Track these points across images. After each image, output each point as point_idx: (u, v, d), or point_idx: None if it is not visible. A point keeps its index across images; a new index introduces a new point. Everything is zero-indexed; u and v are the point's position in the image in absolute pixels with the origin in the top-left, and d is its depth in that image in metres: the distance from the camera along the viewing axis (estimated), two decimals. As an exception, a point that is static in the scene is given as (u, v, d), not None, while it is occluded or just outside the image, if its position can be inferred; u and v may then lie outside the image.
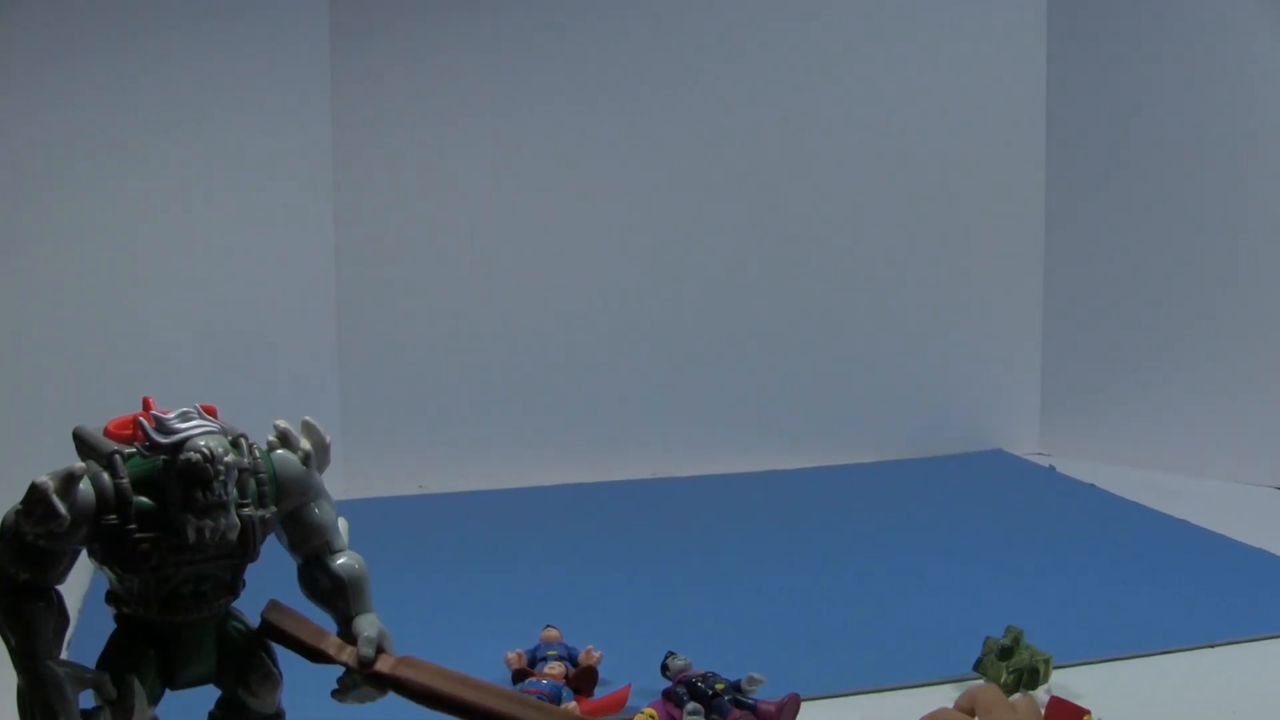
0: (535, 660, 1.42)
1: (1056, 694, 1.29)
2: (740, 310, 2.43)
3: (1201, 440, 2.31)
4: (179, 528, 1.07)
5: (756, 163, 2.41)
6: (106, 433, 1.16)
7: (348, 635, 1.20)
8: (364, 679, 1.18)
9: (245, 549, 1.11)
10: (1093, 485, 2.23)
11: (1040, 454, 2.48)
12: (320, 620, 1.22)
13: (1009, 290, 2.52)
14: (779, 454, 2.40)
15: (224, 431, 1.10)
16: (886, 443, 2.45)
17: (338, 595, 1.20)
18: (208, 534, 1.07)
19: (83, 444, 1.16)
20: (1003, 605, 1.62)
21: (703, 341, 2.42)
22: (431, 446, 2.31)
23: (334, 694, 1.20)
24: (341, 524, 1.22)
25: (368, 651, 1.18)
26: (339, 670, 1.19)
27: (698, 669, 1.36)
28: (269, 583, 1.18)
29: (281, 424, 1.17)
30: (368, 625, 1.20)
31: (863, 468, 2.40)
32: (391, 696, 1.20)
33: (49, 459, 1.17)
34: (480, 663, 1.43)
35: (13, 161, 2.06)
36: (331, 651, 1.19)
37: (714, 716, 1.30)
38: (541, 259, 2.35)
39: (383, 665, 1.18)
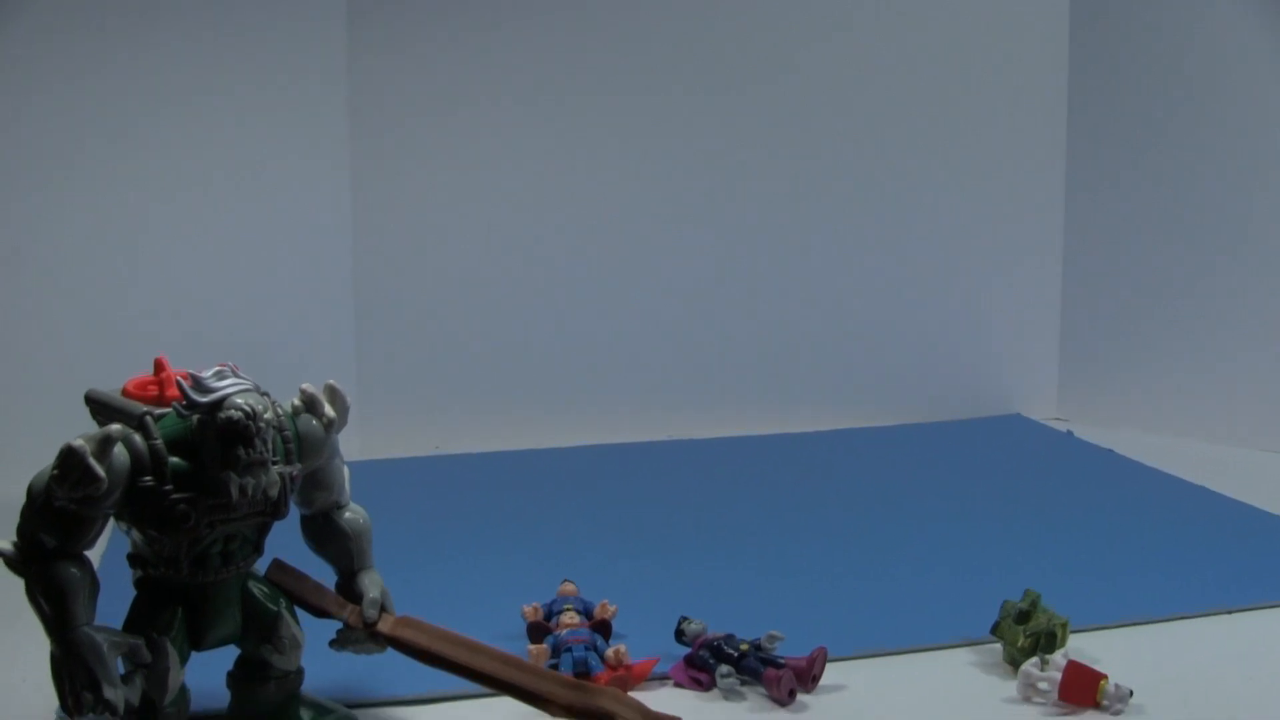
0: (551, 613, 1.43)
1: (1073, 658, 1.30)
2: (756, 272, 2.43)
3: (1222, 406, 2.30)
4: (218, 486, 1.08)
5: (774, 122, 2.40)
6: (125, 393, 1.17)
7: (348, 588, 1.23)
8: (366, 636, 1.21)
9: (277, 507, 1.12)
10: (1111, 450, 2.23)
11: (1058, 419, 2.48)
12: (321, 574, 1.24)
13: (1028, 253, 2.51)
14: (794, 417, 2.40)
15: (256, 389, 1.11)
16: (903, 406, 2.45)
17: (343, 550, 1.23)
18: (250, 491, 1.09)
19: (103, 407, 1.17)
20: (1020, 569, 1.63)
21: (717, 304, 2.42)
22: (447, 408, 2.32)
23: (332, 644, 1.23)
24: (344, 473, 1.24)
25: (371, 613, 1.22)
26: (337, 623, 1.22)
27: (713, 632, 1.37)
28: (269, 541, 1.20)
29: (308, 388, 1.18)
30: (371, 585, 1.23)
31: (879, 431, 2.40)
32: (392, 653, 1.23)
33: (61, 426, 1.18)
34: (496, 618, 1.45)
35: (31, 138, 2.07)
36: (333, 609, 1.23)
37: (744, 676, 1.31)
38: (557, 221, 2.35)
39: (384, 625, 1.22)
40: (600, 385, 2.37)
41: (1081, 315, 2.49)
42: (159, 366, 1.16)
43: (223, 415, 1.07)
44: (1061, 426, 2.42)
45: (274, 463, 1.12)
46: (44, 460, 1.09)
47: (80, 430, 1.09)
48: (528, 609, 1.44)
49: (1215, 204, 2.30)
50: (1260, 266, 2.26)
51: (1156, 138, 2.37)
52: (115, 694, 1.07)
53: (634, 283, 2.39)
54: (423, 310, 2.32)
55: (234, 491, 1.08)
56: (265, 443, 1.09)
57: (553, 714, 1.21)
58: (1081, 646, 1.38)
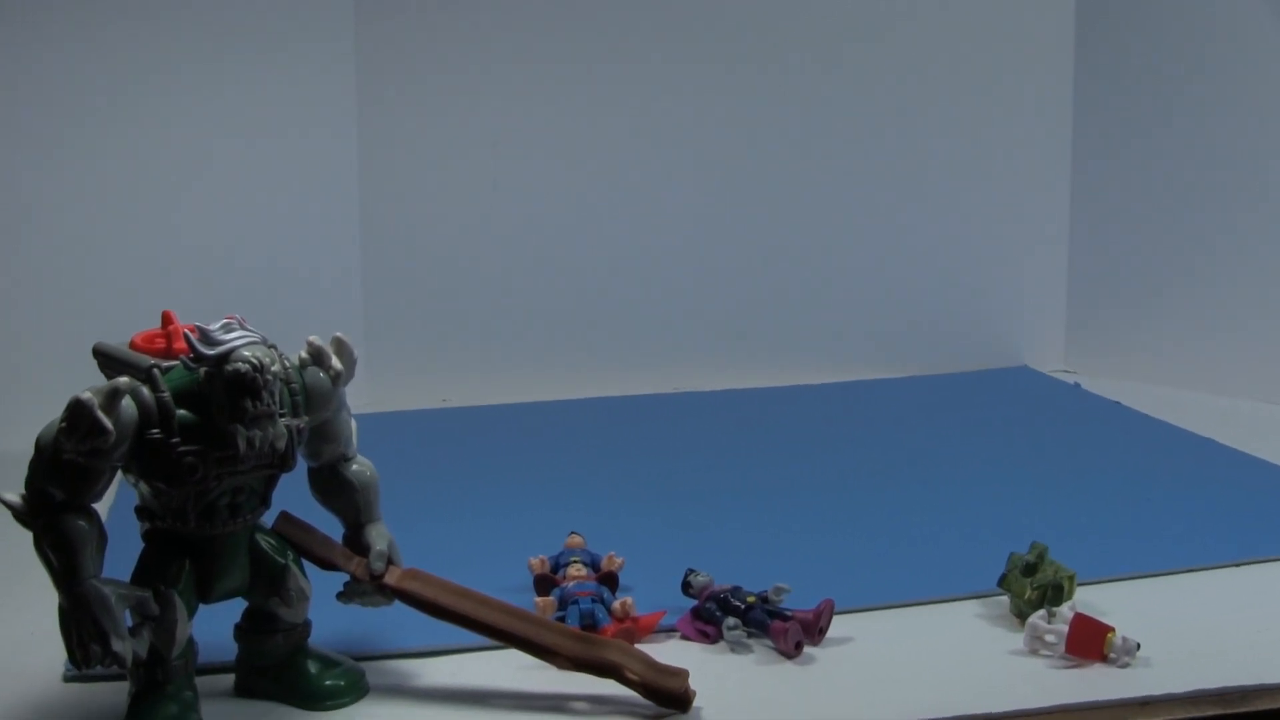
0: (558, 566, 1.43)
1: (1080, 611, 1.30)
2: (763, 226, 2.42)
3: (1229, 358, 2.29)
4: (225, 439, 1.08)
5: (780, 76, 2.38)
6: (133, 346, 1.17)
7: (355, 540, 1.24)
8: (373, 589, 1.22)
9: (284, 459, 1.12)
10: (1118, 403, 2.23)
11: (1065, 371, 2.47)
12: (328, 527, 1.25)
13: (1035, 205, 2.50)
14: (801, 369, 2.40)
15: (263, 342, 1.11)
16: (910, 358, 2.45)
17: (349, 502, 1.24)
18: (257, 443, 1.09)
19: (110, 359, 1.16)
20: (1026, 522, 1.62)
21: (724, 257, 2.41)
22: (454, 361, 2.32)
23: (339, 596, 1.24)
24: (351, 425, 1.24)
25: (378, 565, 1.22)
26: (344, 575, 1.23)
27: (720, 584, 1.37)
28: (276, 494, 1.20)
29: (315, 341, 1.18)
30: (378, 537, 1.24)
31: (886, 383, 2.39)
32: (399, 606, 1.24)
33: (67, 379, 1.18)
34: (502, 570, 1.45)
35: (41, 97, 2.06)
36: (340, 561, 1.24)
37: (751, 629, 1.32)
38: (564, 173, 2.34)
39: (390, 578, 1.23)
40: (607, 338, 2.37)
41: (1089, 267, 2.48)
42: (166, 320, 1.16)
43: (230, 368, 1.07)
44: (1068, 378, 2.42)
45: (281, 415, 1.11)
46: (51, 414, 1.09)
47: (88, 383, 1.09)
48: (534, 561, 1.44)
49: (1224, 155, 2.29)
50: (1271, 218, 2.25)
51: (1165, 87, 2.35)
52: (123, 646, 1.08)
53: (642, 235, 2.38)
54: (430, 263, 2.31)
55: (241, 444, 1.08)
56: (273, 395, 1.10)
57: (559, 666, 1.21)
58: (1088, 599, 1.38)
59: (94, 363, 1.20)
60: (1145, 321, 2.41)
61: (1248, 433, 2.01)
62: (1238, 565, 1.53)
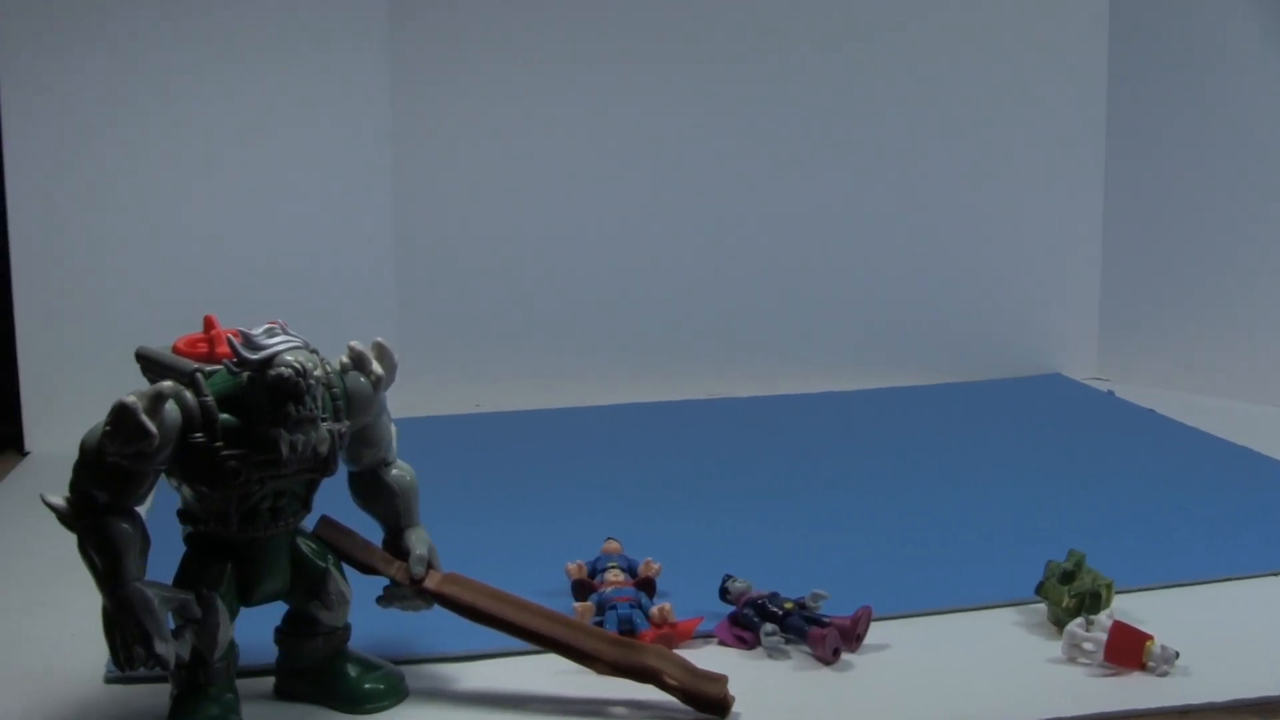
0: (595, 571, 1.44)
1: (1118, 619, 1.30)
2: (796, 230, 2.42)
3: (1263, 366, 2.28)
4: (268, 443, 1.09)
5: (812, 79, 2.39)
6: (176, 351, 1.18)
7: (395, 544, 1.25)
8: (413, 593, 1.22)
9: (326, 463, 1.13)
10: (1152, 410, 2.22)
11: (1099, 379, 2.46)
12: (368, 531, 1.25)
13: (1069, 213, 2.49)
14: (834, 376, 2.40)
15: (306, 347, 1.11)
16: (943, 365, 2.44)
17: (390, 506, 1.24)
18: (300, 447, 1.10)
19: (154, 364, 1.17)
20: (1063, 530, 1.62)
21: (758, 262, 2.42)
22: (487, 366, 2.33)
23: (380, 600, 1.25)
24: (392, 430, 1.25)
25: (419, 569, 1.23)
26: (384, 579, 1.24)
27: (757, 590, 1.37)
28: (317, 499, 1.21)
29: (356, 346, 1.18)
30: (418, 542, 1.24)
31: (919, 390, 2.39)
32: (438, 610, 1.25)
33: (110, 383, 1.19)
34: (539, 575, 1.46)
35: (81, 100, 2.08)
36: (380, 566, 1.24)
37: (789, 635, 1.32)
38: (598, 179, 2.35)
39: (430, 582, 1.24)
40: (640, 344, 2.38)
41: (1122, 275, 2.47)
42: (208, 325, 1.17)
43: (273, 372, 1.08)
44: (1102, 386, 2.41)
45: (323, 420, 1.12)
46: (87, 418, 1.10)
47: (130, 387, 1.10)
48: (572, 567, 1.44)
49: (1259, 162, 2.27)
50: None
51: (1198, 94, 2.33)
52: (166, 648, 1.09)
53: (676, 243, 2.39)
54: (463, 269, 2.33)
55: (284, 448, 1.09)
56: (315, 399, 1.10)
57: (599, 671, 1.22)
58: (1125, 607, 1.37)
59: (132, 366, 1.21)
60: (1178, 329, 2.40)
61: (1280, 440, 2.00)
62: (1276, 575, 1.52)
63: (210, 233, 2.17)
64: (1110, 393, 2.36)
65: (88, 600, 1.14)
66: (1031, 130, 2.47)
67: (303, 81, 2.20)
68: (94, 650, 1.29)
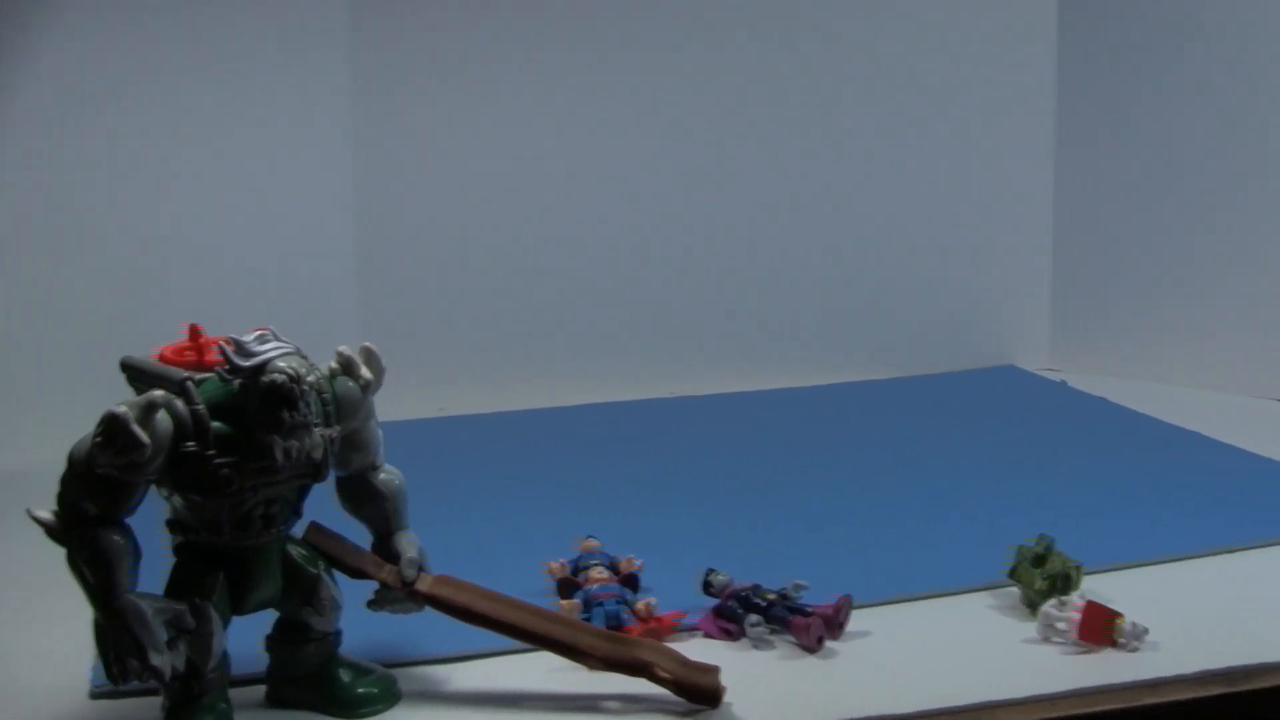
0: (578, 569, 1.45)
1: (1089, 599, 1.33)
2: (750, 228, 2.44)
3: (1209, 354, 2.33)
4: (262, 450, 1.09)
5: (764, 78, 2.41)
6: (162, 360, 1.18)
7: (384, 549, 1.25)
8: (404, 595, 1.23)
9: (319, 469, 1.14)
10: (1103, 398, 2.26)
11: (1051, 369, 2.50)
12: (355, 535, 1.26)
13: (1019, 205, 2.52)
14: (793, 372, 2.42)
15: (298, 353, 1.12)
16: (898, 360, 2.47)
17: (379, 510, 1.25)
18: (294, 453, 1.10)
19: (140, 373, 1.18)
20: (1026, 516, 1.64)
21: (714, 260, 2.44)
22: (451, 369, 2.33)
23: (370, 605, 1.25)
24: (379, 434, 1.26)
25: (410, 572, 1.24)
26: (375, 583, 1.25)
27: (739, 583, 1.39)
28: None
29: (345, 351, 1.20)
30: (408, 545, 1.25)
31: (875, 384, 2.42)
32: (428, 612, 1.26)
33: (88, 394, 1.19)
34: (518, 576, 1.45)
35: (47, 112, 2.06)
36: (371, 570, 1.25)
37: (773, 625, 1.34)
38: (558, 181, 2.36)
39: (422, 585, 1.24)
40: (601, 345, 2.39)
41: (1073, 267, 2.51)
42: (194, 333, 1.17)
43: (266, 379, 1.09)
44: (1055, 377, 2.45)
45: (315, 425, 1.13)
46: (47, 430, 1.10)
47: (102, 397, 1.10)
48: (554, 565, 1.46)
49: (1207, 152, 2.31)
50: (1250, 214, 2.28)
51: (1149, 83, 2.37)
52: (161, 660, 1.09)
53: (632, 244, 2.40)
54: (425, 273, 2.33)
55: (278, 454, 1.10)
56: (309, 405, 1.11)
57: (591, 667, 1.23)
58: (1093, 588, 1.40)
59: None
60: (1129, 320, 2.44)
61: (1231, 425, 2.05)
62: (1231, 551, 1.57)
63: (169, 237, 2.15)
64: (1063, 382, 2.40)
65: (70, 614, 1.14)
66: (981, 121, 2.49)
67: (263, 82, 2.19)
68: (78, 664, 1.29)
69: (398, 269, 2.31)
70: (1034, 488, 1.82)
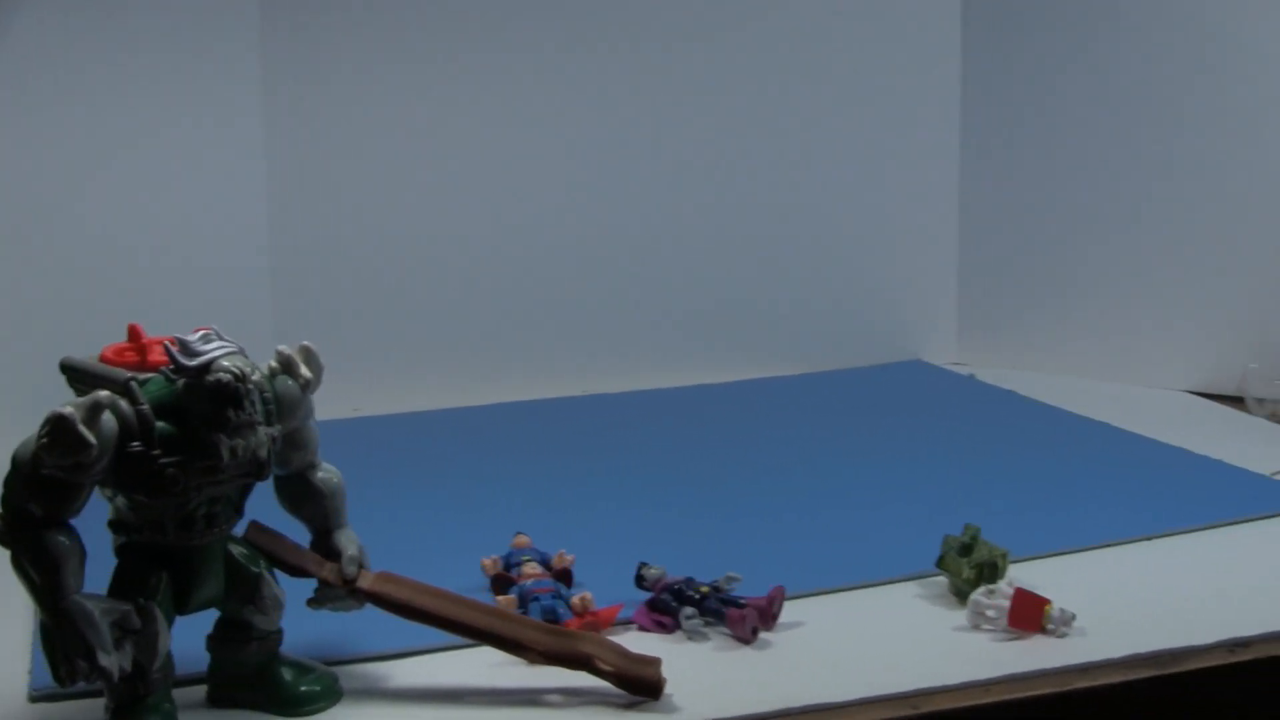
0: (510, 565, 1.46)
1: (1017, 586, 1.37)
2: (654, 225, 2.45)
3: (1113, 345, 2.39)
4: (207, 449, 1.09)
5: (673, 76, 2.42)
6: (103, 360, 1.17)
7: (323, 547, 1.26)
8: (345, 593, 1.24)
9: (262, 467, 1.14)
10: (1011, 392, 2.31)
11: (958, 363, 2.54)
12: (294, 534, 1.26)
13: (924, 201, 2.55)
14: (705, 368, 2.43)
15: (241, 352, 1.12)
16: (808, 355, 2.49)
17: (319, 508, 1.26)
18: (240, 452, 1.10)
19: (83, 374, 1.17)
20: (947, 507, 1.68)
21: (620, 259, 2.44)
22: (364, 369, 2.31)
23: (310, 602, 1.26)
24: (317, 433, 1.26)
25: (351, 569, 1.24)
26: (314, 581, 1.25)
27: (672, 576, 1.41)
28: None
29: (285, 350, 1.20)
30: (349, 543, 1.26)
31: (784, 380, 2.44)
32: (369, 609, 1.26)
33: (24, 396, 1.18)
34: (449, 574, 1.43)
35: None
36: (312, 568, 1.25)
37: (708, 617, 1.36)
38: (469, 178, 2.35)
39: (363, 582, 1.25)
40: (516, 343, 2.38)
41: (979, 261, 2.55)
42: (134, 334, 1.16)
43: (211, 378, 1.09)
44: (963, 370, 2.49)
45: (259, 424, 1.13)
46: (14, 432, 1.09)
47: (43, 398, 1.09)
48: (487, 562, 1.46)
49: (1111, 146, 2.36)
50: (1154, 208, 2.33)
51: (1053, 78, 2.40)
52: (110, 661, 1.09)
53: (539, 240, 2.40)
54: (338, 272, 2.31)
55: (225, 453, 1.10)
56: (254, 404, 1.11)
57: (532, 661, 1.24)
58: (1019, 576, 1.44)
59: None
60: (1035, 313, 2.49)
61: (1139, 416, 2.10)
62: (1150, 539, 1.61)
63: (80, 235, 2.12)
64: (971, 376, 2.45)
65: (4, 617, 1.12)
66: (885, 116, 2.51)
67: (172, 79, 2.15)
68: (15, 667, 1.28)
69: (311, 268, 2.29)
70: (952, 480, 1.86)
